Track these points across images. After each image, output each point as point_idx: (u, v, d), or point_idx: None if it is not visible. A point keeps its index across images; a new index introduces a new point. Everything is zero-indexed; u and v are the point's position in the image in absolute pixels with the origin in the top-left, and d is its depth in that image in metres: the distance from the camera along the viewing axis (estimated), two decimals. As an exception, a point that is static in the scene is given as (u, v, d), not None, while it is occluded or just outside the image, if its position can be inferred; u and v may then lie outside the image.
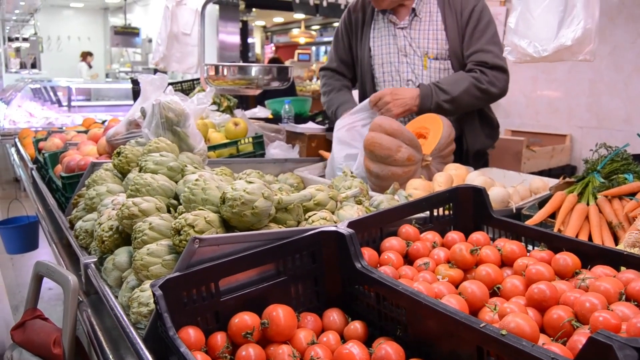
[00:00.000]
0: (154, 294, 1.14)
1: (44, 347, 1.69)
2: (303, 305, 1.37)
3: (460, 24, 2.65)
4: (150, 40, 14.08)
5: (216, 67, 2.66)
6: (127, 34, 14.52)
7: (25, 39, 14.25)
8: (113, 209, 1.73)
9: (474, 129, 2.76)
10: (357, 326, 1.29)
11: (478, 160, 2.79)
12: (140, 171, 1.84)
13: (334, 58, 3.12)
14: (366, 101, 2.62)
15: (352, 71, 3.07)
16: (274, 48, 19.50)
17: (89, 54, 16.11)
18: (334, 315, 1.34)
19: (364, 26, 2.91)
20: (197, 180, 1.53)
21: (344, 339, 1.28)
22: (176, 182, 1.79)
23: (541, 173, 2.86)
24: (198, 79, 4.15)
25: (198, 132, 2.24)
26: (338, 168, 2.51)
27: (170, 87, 2.42)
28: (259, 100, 6.15)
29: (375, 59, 2.85)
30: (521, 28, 2.00)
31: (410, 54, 2.75)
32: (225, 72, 2.64)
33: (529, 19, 2.00)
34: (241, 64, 2.87)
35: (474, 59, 2.61)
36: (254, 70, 2.71)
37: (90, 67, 15.94)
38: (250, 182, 1.43)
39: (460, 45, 2.66)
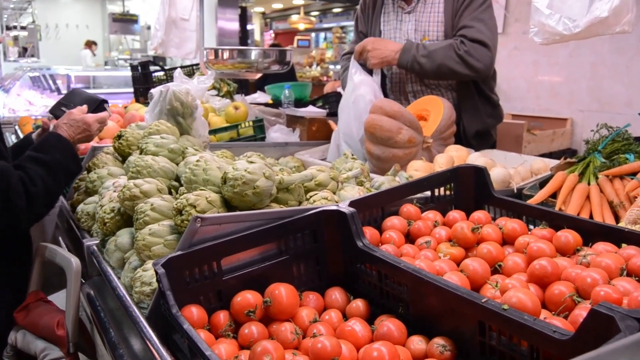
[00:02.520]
0: (156, 273, 1.15)
1: (48, 329, 1.69)
2: (305, 285, 1.37)
3: (455, 5, 2.66)
4: (149, 27, 13.99)
5: (215, 51, 2.65)
6: (125, 21, 14.44)
7: (23, 28, 14.17)
8: (114, 191, 1.73)
9: (473, 109, 2.75)
10: (359, 304, 1.29)
11: (481, 141, 2.77)
12: (141, 153, 1.84)
13: (354, 40, 3.16)
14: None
15: None
16: (273, 35, 19.39)
17: (94, 42, 16.05)
18: (335, 294, 1.34)
19: (374, 10, 2.95)
20: (198, 161, 1.53)
21: (346, 317, 1.29)
22: (177, 164, 1.79)
23: (542, 157, 2.86)
24: (197, 64, 4.13)
25: (204, 121, 2.24)
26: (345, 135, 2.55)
27: (179, 70, 2.41)
28: (258, 87, 6.12)
29: None
30: (556, 3, 1.92)
31: (412, 38, 2.76)
32: (225, 56, 2.63)
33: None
34: (241, 47, 2.86)
35: (456, 34, 2.62)
36: (254, 53, 2.70)
37: (94, 55, 15.89)
38: (252, 162, 1.43)
39: (452, 25, 2.67)
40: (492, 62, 2.64)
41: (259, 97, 4.59)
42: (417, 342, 1.13)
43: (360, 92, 2.52)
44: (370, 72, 2.67)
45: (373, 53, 2.62)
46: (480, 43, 2.56)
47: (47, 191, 1.77)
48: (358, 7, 3.11)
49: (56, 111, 2.19)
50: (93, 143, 2.48)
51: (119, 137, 2.04)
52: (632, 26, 1.88)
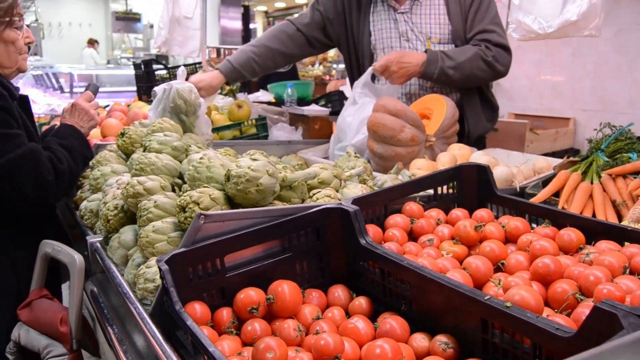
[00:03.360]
0: (160, 269, 1.15)
1: (51, 325, 1.70)
2: (308, 282, 1.38)
3: (463, 7, 2.64)
4: (151, 26, 14.01)
5: (218, 50, 2.65)
6: (128, 20, 14.46)
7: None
8: (118, 189, 1.73)
9: (476, 112, 2.75)
10: (361, 302, 1.29)
11: (477, 144, 2.77)
12: (144, 151, 1.84)
13: (307, 14, 2.96)
14: (369, 72, 2.61)
15: (319, 36, 2.96)
16: (275, 33, 19.36)
17: (95, 41, 16.08)
18: (338, 292, 1.35)
19: (360, 10, 2.85)
20: (201, 158, 1.54)
21: (348, 314, 1.29)
22: (180, 161, 1.79)
23: (544, 156, 2.86)
24: (200, 62, 4.14)
25: (207, 119, 2.24)
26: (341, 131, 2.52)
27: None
28: (261, 85, 6.13)
29: (376, 44, 2.82)
30: (526, 4, 1.99)
31: (412, 39, 2.73)
32: (227, 54, 2.63)
33: (534, -5, 1.98)
34: (243, 45, 2.85)
35: (477, 38, 2.60)
36: (257, 51, 2.70)
37: (97, 52, 15.92)
38: (255, 160, 1.44)
39: (463, 27, 2.65)
40: (510, 64, 2.65)
41: (262, 95, 4.59)
42: (420, 340, 1.13)
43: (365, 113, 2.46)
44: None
45: (399, 73, 2.55)
46: (503, 47, 2.58)
47: (70, 171, 1.96)
48: None
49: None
50: (96, 140, 2.49)
51: (122, 134, 2.05)
52: (599, 31, 1.96)
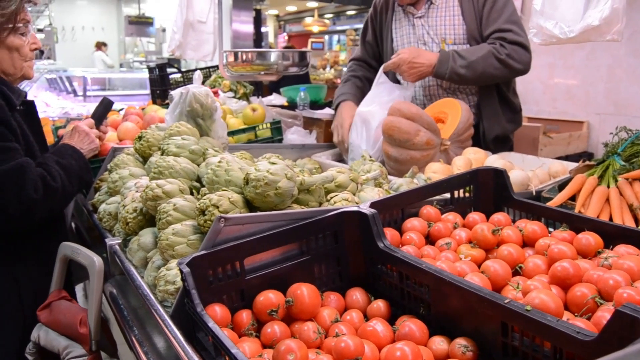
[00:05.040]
0: (181, 271, 1.16)
1: (71, 326, 1.72)
2: (326, 285, 1.39)
3: (476, 7, 2.65)
4: (164, 30, 14.08)
5: (235, 53, 2.67)
6: (141, 24, 14.52)
7: (40, 30, 14.32)
8: (136, 192, 1.75)
9: (494, 113, 2.75)
10: (380, 305, 1.30)
11: (499, 145, 2.76)
12: (162, 154, 1.86)
13: (360, 48, 3.19)
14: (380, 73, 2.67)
15: (379, 60, 3.10)
16: (286, 37, 19.42)
17: (104, 44, 16.19)
18: (356, 295, 1.35)
19: (386, 17, 2.97)
20: (219, 162, 1.55)
21: (367, 317, 1.30)
22: (197, 165, 1.81)
23: (558, 159, 2.85)
24: (214, 67, 4.16)
25: (223, 123, 2.26)
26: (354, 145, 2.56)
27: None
28: (272, 89, 6.15)
29: (397, 50, 2.86)
30: (547, 9, 1.98)
31: (428, 42, 2.76)
32: (244, 58, 2.65)
33: (555, 0, 1.97)
34: (261, 49, 2.87)
35: (493, 37, 2.60)
36: (273, 55, 2.72)
37: (106, 55, 16.04)
38: (273, 163, 1.45)
39: (478, 27, 2.65)
40: (530, 61, 2.64)
41: (275, 99, 4.61)
42: (439, 343, 1.14)
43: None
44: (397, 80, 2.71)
45: (410, 72, 2.59)
46: (520, 45, 2.57)
47: (64, 190, 1.88)
48: (368, 15, 3.13)
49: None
50: (113, 144, 2.51)
51: (140, 138, 2.07)
52: (622, 35, 1.94)
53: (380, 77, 2.66)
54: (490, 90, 2.73)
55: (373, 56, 3.14)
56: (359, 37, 3.35)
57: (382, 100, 2.56)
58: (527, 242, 1.44)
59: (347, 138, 2.66)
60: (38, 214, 1.81)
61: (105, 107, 2.39)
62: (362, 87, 3.05)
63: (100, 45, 15.98)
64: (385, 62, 2.80)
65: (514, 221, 1.57)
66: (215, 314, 1.20)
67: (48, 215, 1.89)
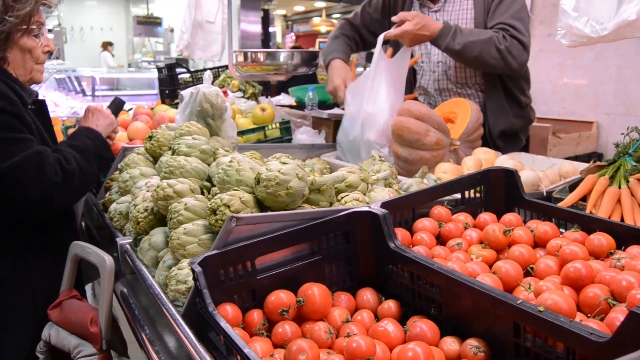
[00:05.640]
0: (193, 271, 1.17)
1: (81, 325, 1.72)
2: (337, 285, 1.39)
3: (486, 0, 2.64)
4: (172, 30, 14.13)
5: (245, 54, 2.67)
6: (149, 24, 14.57)
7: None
8: (147, 191, 1.76)
9: (499, 107, 2.73)
10: (390, 305, 1.30)
11: (509, 143, 2.75)
12: (173, 154, 1.87)
13: (358, 13, 3.14)
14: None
15: (372, 33, 3.08)
16: (294, 37, 19.42)
17: (110, 43, 16.25)
18: (367, 295, 1.35)
19: (403, 5, 2.92)
20: (230, 161, 1.55)
21: (377, 318, 1.30)
22: (208, 164, 1.81)
23: (568, 160, 2.83)
24: (223, 67, 4.17)
25: (233, 123, 2.26)
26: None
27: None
28: (280, 89, 6.15)
29: None
30: (582, 5, 1.90)
31: None
32: (254, 58, 2.65)
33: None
34: (271, 49, 2.88)
35: (496, 28, 2.59)
36: (283, 55, 2.72)
37: (112, 55, 16.08)
38: (285, 163, 1.45)
39: (485, 18, 2.65)
40: (526, 62, 2.63)
41: (283, 99, 4.62)
42: (450, 343, 1.13)
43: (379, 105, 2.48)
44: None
45: (412, 42, 2.56)
46: (521, 43, 2.55)
47: (81, 170, 1.90)
48: None
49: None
50: (123, 143, 2.52)
51: (150, 137, 2.07)
52: None
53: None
54: (495, 84, 2.72)
55: (366, 26, 3.11)
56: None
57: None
58: (538, 243, 1.44)
59: (342, 93, 2.69)
60: (59, 200, 1.84)
61: (117, 106, 2.39)
62: (350, 46, 3.11)
63: (107, 45, 16.04)
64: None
65: (525, 222, 1.57)
66: (226, 314, 1.20)
67: (67, 202, 1.94)
